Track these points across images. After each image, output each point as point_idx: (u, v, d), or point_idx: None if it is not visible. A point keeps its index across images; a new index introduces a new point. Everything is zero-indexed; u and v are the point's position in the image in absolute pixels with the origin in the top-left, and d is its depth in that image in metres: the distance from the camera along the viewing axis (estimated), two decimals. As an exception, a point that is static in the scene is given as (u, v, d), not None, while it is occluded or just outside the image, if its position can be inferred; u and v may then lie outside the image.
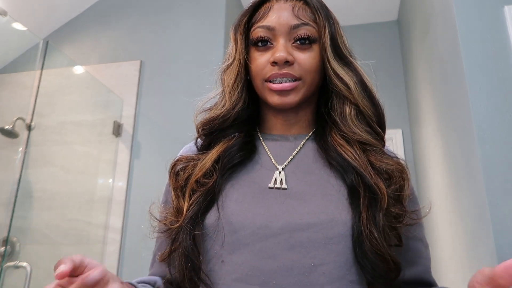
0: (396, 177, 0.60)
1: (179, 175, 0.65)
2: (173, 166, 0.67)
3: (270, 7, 0.66)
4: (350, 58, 0.67)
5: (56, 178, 2.19)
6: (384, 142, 0.67)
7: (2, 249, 1.76)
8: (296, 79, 0.64)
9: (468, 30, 1.42)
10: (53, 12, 2.58)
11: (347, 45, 0.68)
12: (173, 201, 0.63)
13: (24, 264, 1.72)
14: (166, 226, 0.63)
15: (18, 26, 2.23)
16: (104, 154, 2.25)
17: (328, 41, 0.64)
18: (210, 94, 0.72)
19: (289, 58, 0.62)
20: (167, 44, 2.44)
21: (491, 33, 1.39)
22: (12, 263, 1.75)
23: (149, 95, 2.33)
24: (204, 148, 0.69)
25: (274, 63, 0.63)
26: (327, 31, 0.64)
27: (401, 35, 3.01)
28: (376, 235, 0.55)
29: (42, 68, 2.03)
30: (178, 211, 0.62)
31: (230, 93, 0.67)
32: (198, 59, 2.32)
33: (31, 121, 2.00)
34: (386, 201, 0.57)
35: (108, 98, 2.35)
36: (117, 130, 2.26)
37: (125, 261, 2.02)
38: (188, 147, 0.75)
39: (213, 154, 0.65)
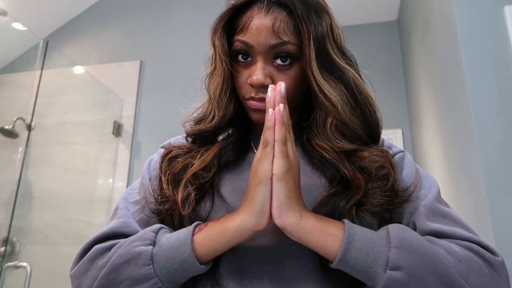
0: (375, 168, 0.59)
1: (175, 162, 0.65)
2: (169, 151, 0.67)
3: (251, 19, 0.62)
4: (343, 65, 0.62)
5: (56, 178, 2.19)
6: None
7: (2, 249, 1.76)
8: None
9: (468, 30, 1.42)
10: (53, 12, 2.58)
11: (342, 46, 0.64)
12: (163, 186, 0.63)
13: (24, 264, 1.73)
14: (159, 207, 0.62)
15: (18, 26, 2.23)
16: (104, 154, 2.25)
17: (313, 56, 0.59)
18: (197, 105, 0.70)
19: (266, 82, 0.60)
20: (167, 44, 2.44)
21: (491, 33, 1.39)
22: (12, 263, 1.75)
23: (149, 95, 2.33)
24: (198, 142, 0.68)
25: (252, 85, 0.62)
26: (311, 44, 0.59)
27: (401, 35, 3.01)
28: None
29: (42, 68, 2.03)
30: (168, 196, 0.62)
31: (218, 103, 0.65)
32: (198, 59, 2.32)
33: (31, 121, 2.00)
34: (361, 194, 0.57)
35: (108, 98, 2.35)
36: (117, 130, 2.26)
37: (125, 261, 2.02)
38: (180, 138, 0.74)
39: (214, 149, 0.66)
